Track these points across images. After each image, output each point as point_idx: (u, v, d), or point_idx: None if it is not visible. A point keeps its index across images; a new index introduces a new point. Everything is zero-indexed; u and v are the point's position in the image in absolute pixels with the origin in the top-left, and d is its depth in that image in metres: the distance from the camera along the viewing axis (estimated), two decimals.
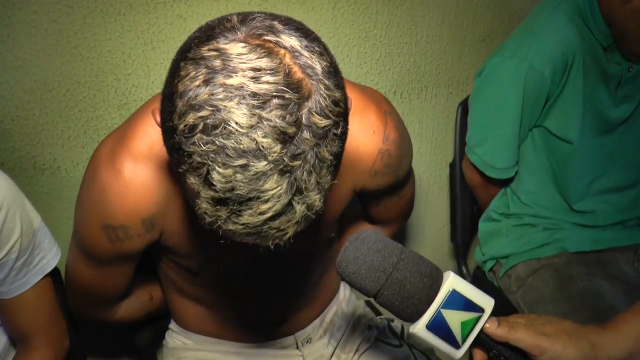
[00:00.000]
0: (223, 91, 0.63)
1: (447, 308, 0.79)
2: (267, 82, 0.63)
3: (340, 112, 0.68)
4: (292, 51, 0.66)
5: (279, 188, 0.65)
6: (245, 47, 0.65)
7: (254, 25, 0.67)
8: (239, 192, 0.65)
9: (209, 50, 0.66)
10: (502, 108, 1.45)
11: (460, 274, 1.64)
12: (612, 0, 1.35)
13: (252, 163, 0.64)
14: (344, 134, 0.70)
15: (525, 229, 1.56)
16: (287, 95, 0.64)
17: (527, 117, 1.45)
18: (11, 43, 1.18)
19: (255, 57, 0.64)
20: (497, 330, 0.81)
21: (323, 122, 0.66)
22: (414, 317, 0.80)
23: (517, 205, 1.57)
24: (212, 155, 0.64)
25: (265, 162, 0.64)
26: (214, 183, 0.65)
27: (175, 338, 1.29)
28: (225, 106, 0.63)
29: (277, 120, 0.63)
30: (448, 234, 1.86)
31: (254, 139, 0.63)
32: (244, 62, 0.64)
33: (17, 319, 1.07)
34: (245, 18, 0.68)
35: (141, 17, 1.26)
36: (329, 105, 0.66)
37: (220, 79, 0.64)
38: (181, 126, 0.65)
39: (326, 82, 0.67)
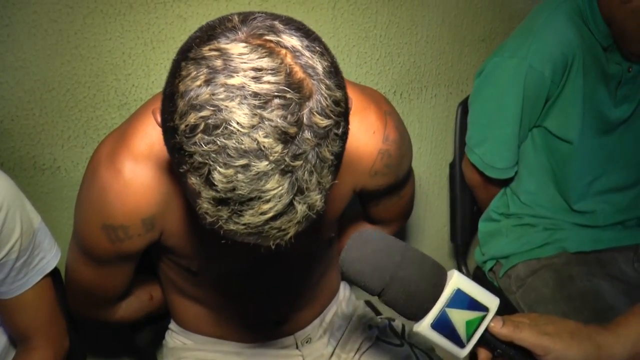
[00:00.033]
0: (224, 91, 0.63)
1: (451, 307, 0.79)
2: (269, 82, 0.63)
3: (341, 112, 0.68)
4: (293, 51, 0.66)
5: (280, 188, 0.65)
6: (246, 47, 0.65)
7: (255, 25, 0.67)
8: (240, 192, 0.65)
9: (210, 50, 0.66)
10: (502, 108, 1.45)
11: None
12: (612, 0, 1.35)
13: (253, 163, 0.64)
14: (345, 134, 0.70)
15: (525, 229, 1.56)
16: (288, 95, 0.64)
17: (527, 117, 1.45)
18: (11, 43, 1.18)
19: (257, 57, 0.64)
20: (501, 329, 0.81)
21: (324, 122, 0.66)
22: (418, 316, 0.80)
23: (517, 206, 1.57)
24: (214, 155, 0.64)
25: (267, 162, 0.64)
26: (215, 183, 0.65)
27: (175, 338, 1.29)
28: (226, 106, 0.63)
29: (279, 120, 0.63)
30: (448, 234, 1.86)
31: (256, 139, 0.63)
32: (245, 62, 0.64)
33: (17, 319, 1.07)
34: (246, 18, 0.68)
35: (141, 17, 1.26)
36: (330, 105, 0.66)
37: (221, 79, 0.64)
38: (182, 126, 0.65)
39: (327, 82, 0.67)
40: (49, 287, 1.09)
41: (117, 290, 1.15)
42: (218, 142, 0.63)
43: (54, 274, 1.11)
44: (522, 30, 1.46)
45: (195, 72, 0.65)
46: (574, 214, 1.53)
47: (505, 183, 1.58)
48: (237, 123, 0.63)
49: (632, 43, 1.38)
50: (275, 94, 0.63)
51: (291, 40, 0.67)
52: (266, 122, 0.63)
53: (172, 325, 1.31)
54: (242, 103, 0.63)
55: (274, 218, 0.67)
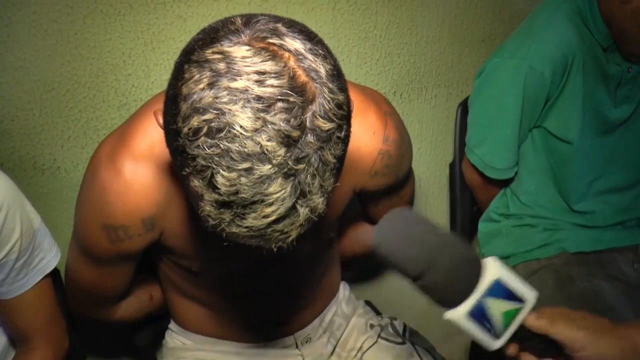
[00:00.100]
0: (227, 94, 0.63)
1: (490, 296, 0.76)
2: (272, 86, 0.63)
3: (343, 115, 0.68)
4: (296, 54, 0.66)
5: (283, 191, 0.65)
6: (249, 50, 0.65)
7: (258, 28, 0.67)
8: (243, 195, 0.65)
9: (213, 53, 0.66)
10: (502, 109, 1.45)
11: None
12: (612, 1, 1.35)
13: (256, 166, 0.64)
14: (347, 137, 0.71)
15: (525, 229, 1.56)
16: (291, 99, 0.64)
17: (527, 118, 1.45)
18: (11, 43, 1.17)
19: (260, 60, 0.64)
20: (536, 322, 0.79)
21: (327, 126, 0.66)
22: (454, 304, 0.77)
23: (517, 206, 1.57)
24: (217, 159, 0.64)
25: (270, 166, 0.64)
26: (218, 186, 0.65)
27: (175, 338, 1.29)
28: (229, 109, 0.63)
29: (282, 124, 0.63)
30: None
31: (259, 143, 0.63)
32: (248, 66, 0.64)
33: (17, 319, 1.07)
34: (249, 20, 0.68)
35: (141, 18, 1.26)
36: (333, 109, 0.66)
37: (224, 82, 0.64)
38: (185, 129, 0.65)
39: (330, 85, 0.67)
40: (48, 288, 1.09)
41: (117, 290, 1.15)
42: (221, 145, 0.63)
43: (54, 274, 1.11)
44: (522, 30, 1.46)
45: (198, 75, 0.65)
46: (574, 214, 1.53)
47: (505, 183, 1.58)
48: (241, 126, 0.63)
49: (631, 44, 1.38)
50: (279, 97, 0.63)
51: (294, 43, 0.67)
52: (269, 126, 0.63)
53: (172, 325, 1.31)
54: (245, 106, 0.63)
55: (276, 221, 0.67)
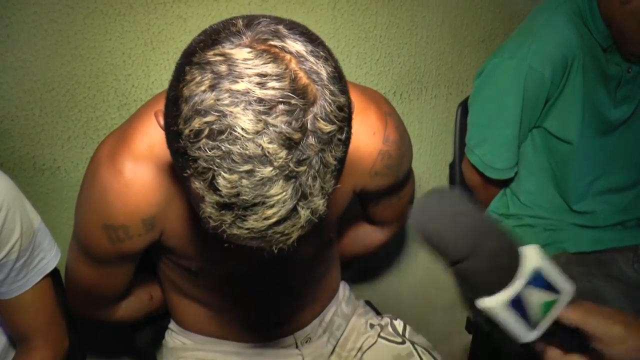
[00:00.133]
0: (229, 97, 0.63)
1: (531, 286, 0.73)
2: (273, 88, 0.63)
3: (344, 117, 0.68)
4: (298, 56, 0.66)
5: (284, 193, 0.65)
6: (251, 52, 0.65)
7: (260, 29, 0.67)
8: (244, 197, 0.65)
9: (215, 55, 0.66)
10: (502, 109, 1.45)
11: None
12: (612, 1, 1.35)
13: (257, 169, 0.64)
14: (348, 139, 0.71)
15: (524, 229, 1.56)
16: (292, 101, 0.64)
17: (527, 118, 1.45)
18: (11, 43, 1.17)
19: (261, 62, 0.64)
20: (571, 314, 0.76)
21: (328, 128, 0.66)
22: (493, 291, 0.73)
23: (517, 206, 1.57)
24: (218, 161, 0.64)
25: (271, 168, 0.64)
26: (220, 188, 0.65)
27: (175, 338, 1.29)
28: (231, 112, 0.63)
29: (283, 126, 0.63)
30: None
31: (260, 145, 0.63)
32: (249, 68, 0.64)
33: (17, 319, 1.07)
34: (250, 22, 0.68)
35: (141, 18, 1.26)
36: (334, 111, 0.66)
37: (226, 84, 0.64)
38: (186, 131, 0.65)
39: (331, 87, 0.67)
40: (48, 288, 1.09)
41: (117, 290, 1.15)
42: (222, 147, 0.63)
43: (54, 274, 1.11)
44: (522, 31, 1.46)
45: (199, 77, 0.65)
46: (573, 214, 1.54)
47: (505, 184, 1.58)
48: (242, 129, 0.63)
49: (631, 44, 1.38)
50: (280, 99, 0.63)
51: (295, 45, 0.67)
52: (271, 128, 0.63)
53: (172, 325, 1.31)
54: (246, 109, 0.63)
55: (277, 223, 0.67)
